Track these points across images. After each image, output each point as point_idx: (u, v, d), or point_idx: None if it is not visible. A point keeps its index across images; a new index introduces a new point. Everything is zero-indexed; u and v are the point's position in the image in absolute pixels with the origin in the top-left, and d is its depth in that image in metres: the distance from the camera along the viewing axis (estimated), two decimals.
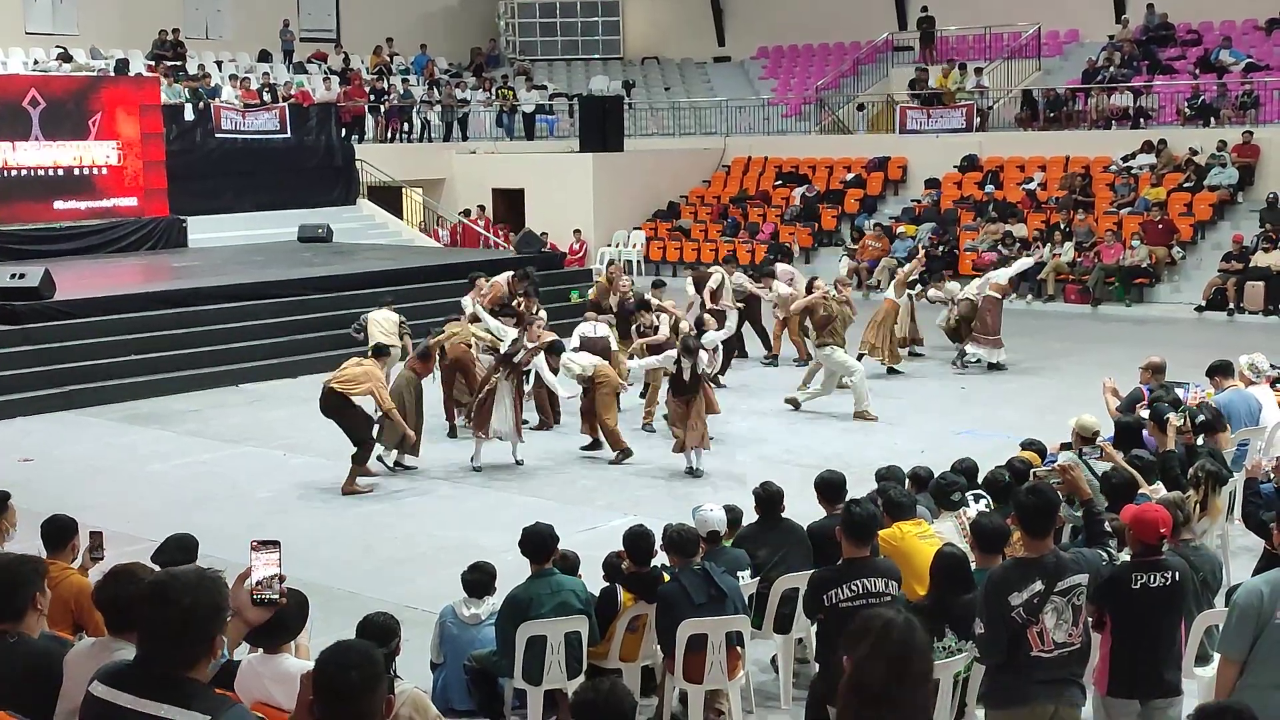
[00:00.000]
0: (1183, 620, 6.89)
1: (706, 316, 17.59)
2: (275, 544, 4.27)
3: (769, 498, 9.29)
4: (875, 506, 7.63)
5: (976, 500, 9.30)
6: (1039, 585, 6.07)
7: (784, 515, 9.30)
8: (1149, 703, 6.55)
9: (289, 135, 30.68)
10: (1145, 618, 6.57)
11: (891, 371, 19.21)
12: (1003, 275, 20.36)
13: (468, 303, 17.33)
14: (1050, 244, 27.23)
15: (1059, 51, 34.80)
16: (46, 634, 5.65)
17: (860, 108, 35.27)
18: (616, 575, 8.55)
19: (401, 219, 32.99)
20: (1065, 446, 11.01)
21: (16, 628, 5.31)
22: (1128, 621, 6.54)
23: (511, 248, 28.00)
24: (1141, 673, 6.54)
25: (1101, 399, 12.64)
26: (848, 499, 8.27)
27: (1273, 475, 9.26)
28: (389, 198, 33.11)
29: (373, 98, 34.41)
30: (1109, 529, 7.24)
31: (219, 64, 33.91)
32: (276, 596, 4.26)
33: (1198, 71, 30.86)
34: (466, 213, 32.56)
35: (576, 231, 31.12)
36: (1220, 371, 12.86)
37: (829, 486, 8.99)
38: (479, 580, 8.47)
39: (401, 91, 35.44)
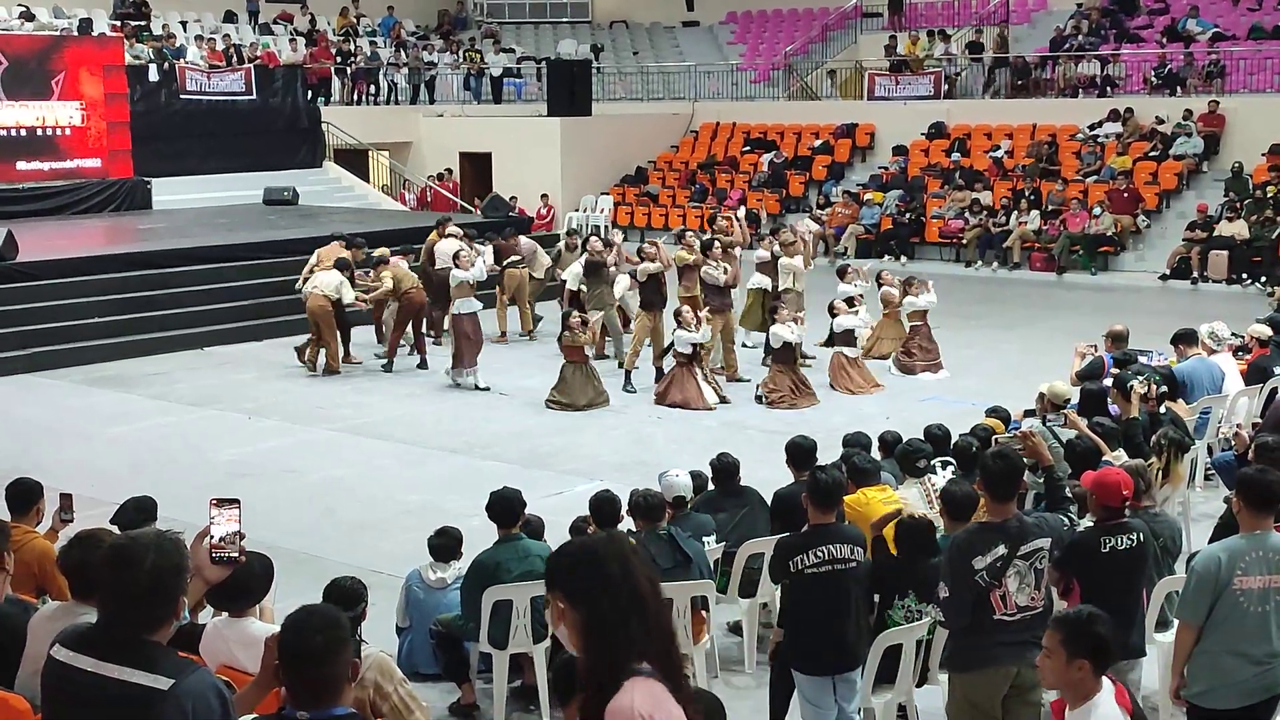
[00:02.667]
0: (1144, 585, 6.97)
1: None
2: (235, 502, 4.26)
3: (725, 468, 9.33)
4: (841, 473, 7.66)
5: (944, 467, 9.35)
6: (1002, 549, 6.12)
7: (742, 483, 9.34)
8: (1114, 665, 6.61)
9: (254, 97, 30.43)
10: (1114, 581, 6.64)
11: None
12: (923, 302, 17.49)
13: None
14: (1016, 211, 27.33)
15: (1027, 19, 34.82)
16: (10, 597, 5.64)
17: (831, 73, 35.19)
18: None
19: (368, 182, 32.83)
20: (1029, 413, 11.10)
21: None
22: (1097, 586, 6.56)
23: (479, 212, 27.90)
24: None
25: (1068, 365, 12.73)
26: (814, 467, 8.29)
27: (1232, 442, 9.34)
28: (355, 160, 32.92)
29: (339, 60, 34.15)
30: (1070, 494, 7.30)
31: (184, 24, 33.57)
32: (236, 554, 4.25)
33: (1164, 40, 30.94)
34: (438, 176, 32.42)
35: (544, 196, 31.04)
36: (1184, 340, 12.95)
37: (799, 451, 9.01)
38: (445, 545, 8.48)
39: (368, 53, 35.19)
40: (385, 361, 17.78)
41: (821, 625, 6.85)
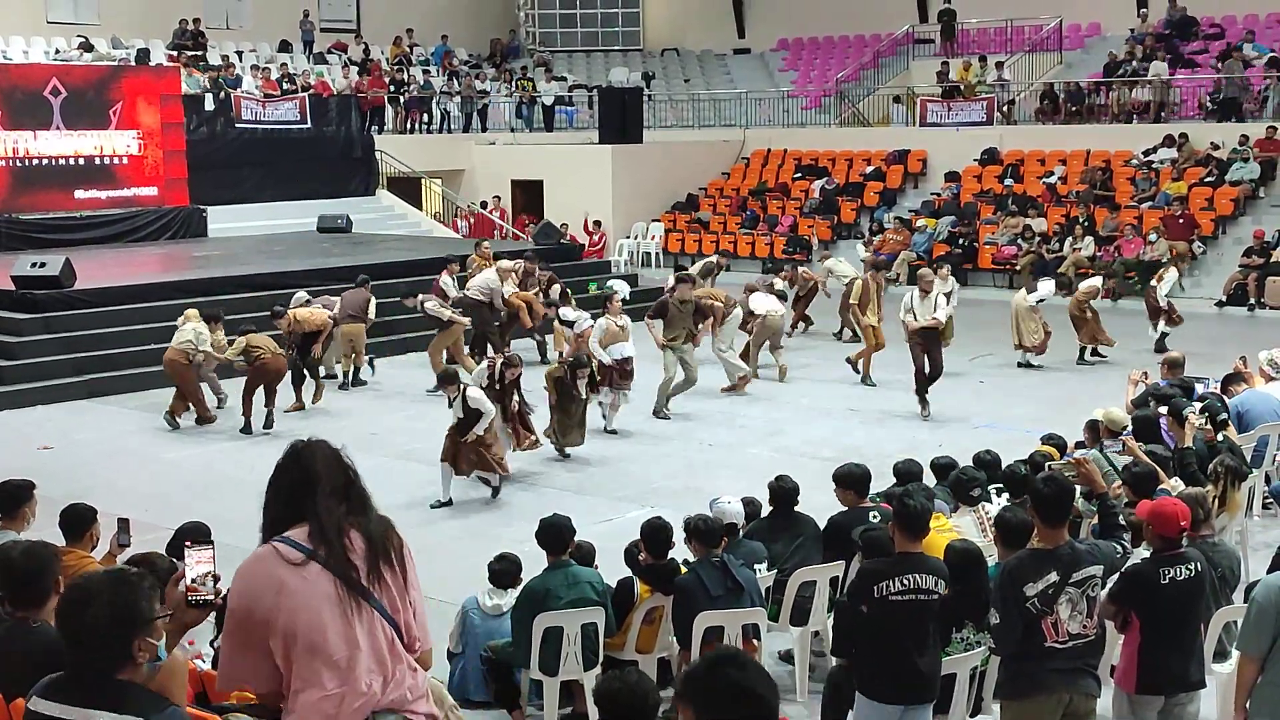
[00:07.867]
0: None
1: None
2: (209, 543, 4.25)
3: (784, 493, 9.26)
4: (928, 501, 7.45)
5: (998, 494, 9.27)
6: (1054, 576, 6.05)
7: (798, 510, 9.29)
8: (1173, 697, 6.52)
9: (309, 125, 30.76)
10: (1175, 612, 6.52)
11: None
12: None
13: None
14: (1070, 238, 27.15)
15: (1080, 45, 34.67)
16: None
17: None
18: (634, 566, 8.55)
19: (421, 210, 33.05)
20: (1079, 445, 10.95)
21: (39, 614, 5.33)
22: (1158, 618, 6.49)
23: (530, 239, 28.02)
24: (1170, 668, 6.50)
25: (1123, 392, 12.61)
26: (900, 492, 8.11)
27: None
28: (408, 188, 33.16)
29: (392, 88, 34.45)
30: (1123, 522, 7.20)
31: (239, 54, 33.98)
32: (211, 597, 4.20)
33: (1220, 65, 30.71)
34: (484, 204, 32.59)
35: (596, 223, 31.12)
36: (1231, 381, 12.79)
37: (851, 479, 8.94)
38: (506, 570, 8.47)
39: (421, 82, 35.48)
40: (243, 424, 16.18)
41: (900, 654, 6.64)
